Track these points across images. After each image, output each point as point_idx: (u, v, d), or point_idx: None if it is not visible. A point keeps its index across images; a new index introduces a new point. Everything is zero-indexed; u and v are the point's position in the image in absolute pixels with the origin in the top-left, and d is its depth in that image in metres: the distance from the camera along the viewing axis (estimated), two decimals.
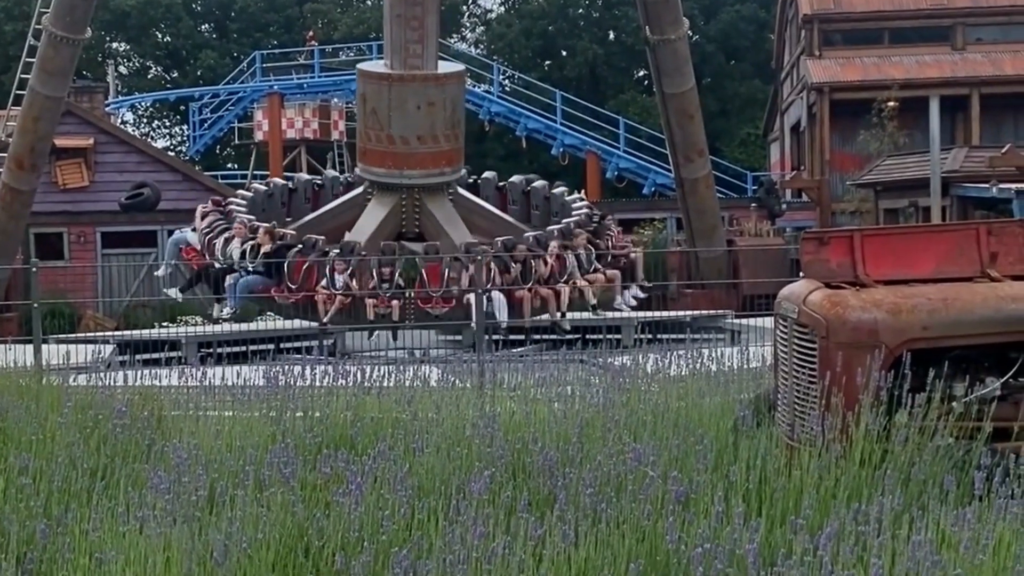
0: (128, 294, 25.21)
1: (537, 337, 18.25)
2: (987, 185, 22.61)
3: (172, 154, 42.61)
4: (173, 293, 19.50)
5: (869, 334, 6.32)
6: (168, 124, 57.01)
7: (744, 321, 18.12)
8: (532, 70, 47.67)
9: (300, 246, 17.77)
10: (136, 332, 18.20)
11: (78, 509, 5.83)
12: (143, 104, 52.05)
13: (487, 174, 21.99)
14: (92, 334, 19.79)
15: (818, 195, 30.32)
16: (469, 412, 7.88)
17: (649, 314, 19.11)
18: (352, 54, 46.64)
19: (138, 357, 13.61)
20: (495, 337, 17.72)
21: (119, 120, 43.84)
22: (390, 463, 6.13)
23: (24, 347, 13.45)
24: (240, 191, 22.34)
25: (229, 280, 17.89)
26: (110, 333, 19.46)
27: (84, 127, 28.12)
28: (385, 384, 9.25)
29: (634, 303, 18.63)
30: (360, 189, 20.10)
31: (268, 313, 19.26)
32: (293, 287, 17.49)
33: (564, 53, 50.56)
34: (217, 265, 18.15)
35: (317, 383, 9.16)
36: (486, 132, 42.55)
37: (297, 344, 18.03)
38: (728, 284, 22.56)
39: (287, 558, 5.27)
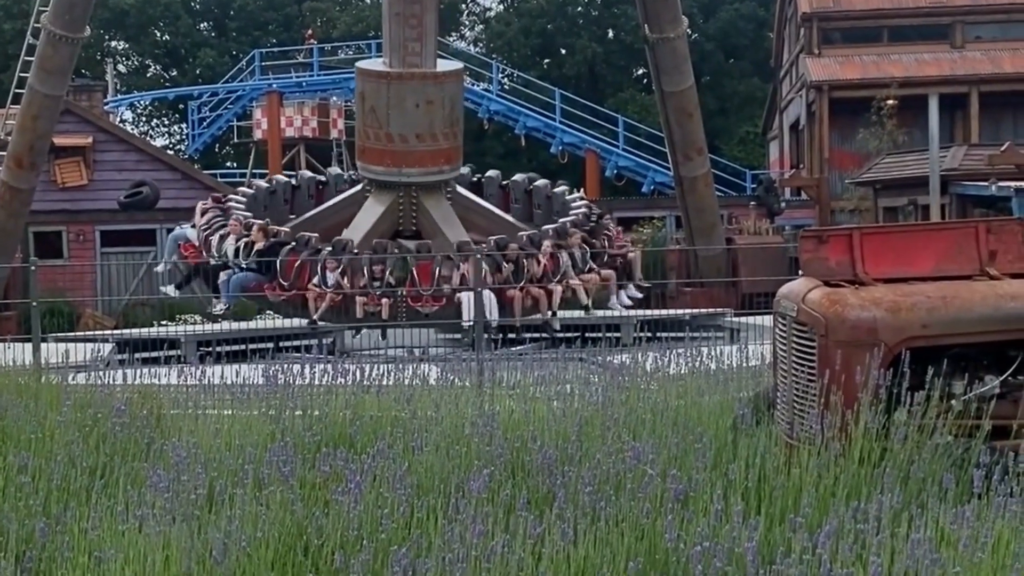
0: (127, 293, 25.21)
1: (527, 336, 18.25)
2: (986, 183, 22.61)
3: (171, 153, 42.59)
4: (170, 291, 19.53)
5: (868, 332, 6.32)
6: (167, 123, 56.99)
7: (743, 319, 18.13)
8: (531, 68, 47.67)
9: (293, 243, 17.80)
10: (135, 331, 18.21)
11: (77, 508, 5.82)
12: (142, 103, 52.02)
13: (491, 172, 22.00)
14: (91, 333, 19.79)
15: (817, 193, 30.30)
16: (468, 411, 7.88)
17: (648, 312, 19.11)
18: (351, 52, 46.64)
19: (137, 356, 13.60)
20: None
21: (118, 119, 43.81)
22: (389, 461, 6.12)
23: (23, 346, 13.45)
24: (241, 188, 22.37)
25: (222, 277, 17.99)
26: (109, 332, 19.47)
27: (83, 126, 28.13)
28: (384, 383, 9.25)
29: (629, 303, 18.61)
30: (359, 187, 20.13)
31: (267, 312, 19.26)
32: (285, 284, 17.54)
33: (563, 51, 50.54)
34: (212, 262, 18.23)
35: (316, 382, 9.16)
36: (485, 130, 42.54)
37: (296, 343, 18.03)
38: (727, 282, 22.58)
39: (286, 556, 5.27)
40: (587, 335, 17.66)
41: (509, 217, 20.05)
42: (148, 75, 54.81)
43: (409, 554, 4.75)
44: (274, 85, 40.18)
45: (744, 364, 10.33)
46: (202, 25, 55.38)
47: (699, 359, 10.33)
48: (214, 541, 5.07)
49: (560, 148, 37.65)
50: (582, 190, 25.58)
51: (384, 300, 17.02)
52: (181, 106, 48.64)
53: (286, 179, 22.11)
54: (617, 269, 18.69)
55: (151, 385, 9.45)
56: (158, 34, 53.92)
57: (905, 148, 28.08)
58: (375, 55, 34.87)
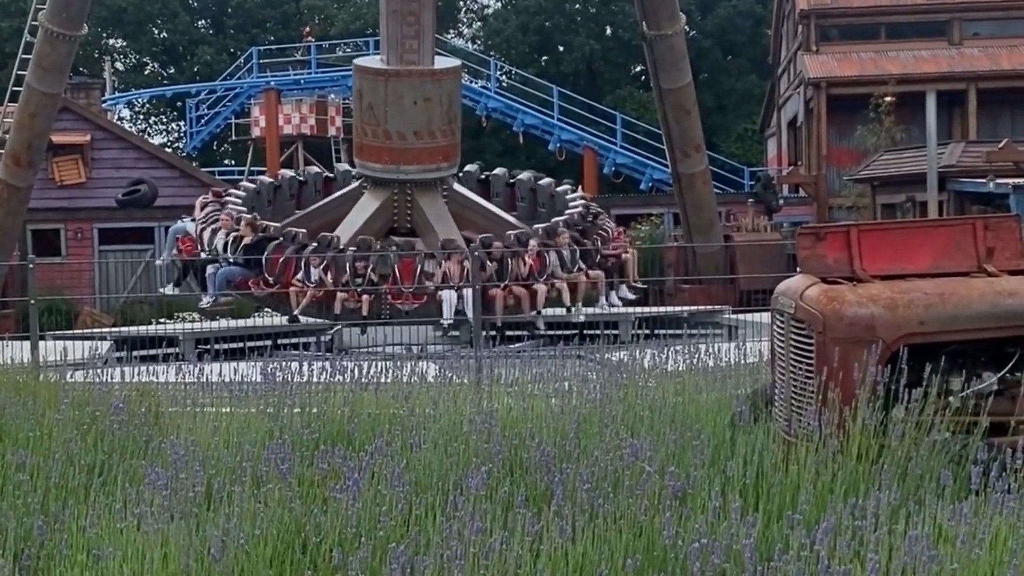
0: (125, 290, 25.21)
1: (525, 334, 18.24)
2: (984, 180, 22.62)
3: (169, 150, 42.58)
4: (169, 290, 19.61)
5: (866, 329, 6.33)
6: (165, 120, 56.96)
7: (741, 316, 18.13)
8: (529, 66, 47.64)
9: (280, 239, 17.86)
10: (133, 328, 18.24)
11: (75, 505, 5.82)
12: (140, 100, 51.97)
13: (498, 170, 22.05)
14: (89, 330, 19.79)
15: (815, 190, 30.31)
16: (466, 408, 7.88)
17: (646, 310, 19.12)
18: (349, 50, 46.65)
19: (135, 353, 13.61)
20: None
21: (116, 116, 43.77)
22: (387, 459, 6.12)
23: (21, 344, 13.45)
24: (243, 183, 22.42)
25: (209, 270, 18.16)
26: (107, 329, 19.48)
27: (81, 123, 28.12)
28: (382, 380, 9.24)
29: (620, 304, 18.57)
30: (357, 183, 20.15)
31: (266, 309, 19.30)
32: (270, 279, 17.62)
33: (561, 48, 50.52)
34: (203, 256, 18.36)
35: (314, 379, 9.16)
36: (483, 128, 42.53)
37: (295, 340, 18.05)
38: (725, 279, 22.58)
39: (284, 554, 5.27)
40: (585, 332, 17.68)
41: (506, 215, 20.04)
42: (146, 73, 54.77)
43: (407, 551, 4.75)
44: (272, 83, 40.16)
45: (742, 361, 10.34)
46: (200, 23, 55.34)
47: (697, 356, 10.32)
48: (212, 539, 5.06)
49: (558, 145, 37.64)
50: (580, 188, 25.52)
51: (364, 297, 17.07)
52: (179, 104, 48.62)
53: (292, 174, 22.21)
54: (608, 269, 18.65)
55: (149, 383, 9.44)
56: (156, 32, 53.88)
57: (903, 145, 28.08)
58: (373, 52, 34.86)
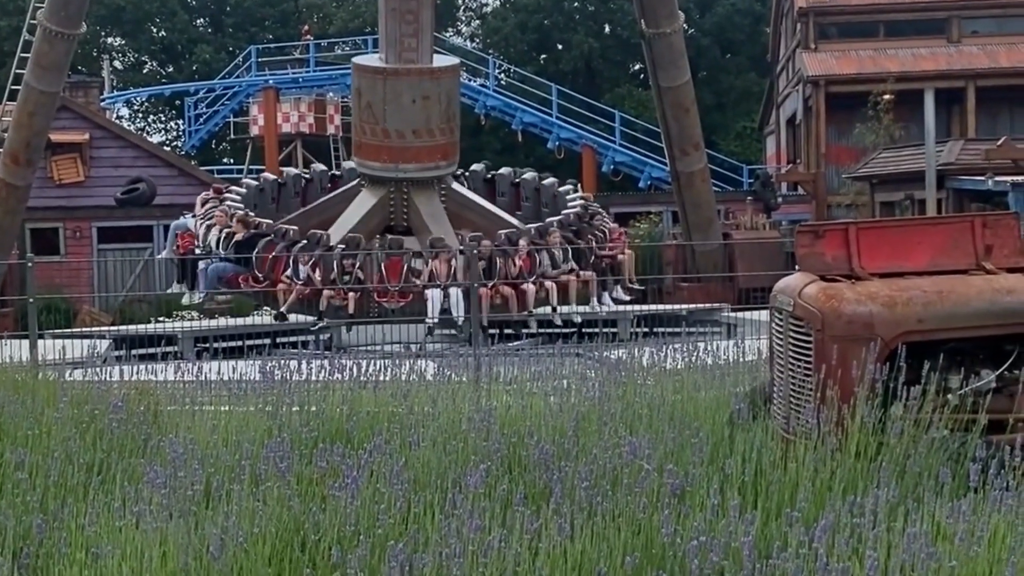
0: (124, 289, 25.20)
1: (524, 332, 18.22)
2: (983, 178, 22.62)
3: (168, 149, 42.55)
4: (176, 288, 19.75)
5: (864, 327, 6.33)
6: (164, 119, 56.95)
7: (740, 314, 18.13)
8: (528, 64, 47.63)
9: (271, 236, 17.91)
10: (132, 327, 18.25)
11: (74, 504, 5.82)
12: (138, 99, 51.96)
13: (503, 170, 22.08)
14: (88, 329, 19.80)
15: (814, 188, 30.31)
16: (465, 406, 7.88)
17: (645, 307, 19.11)
18: (348, 48, 46.65)
19: (134, 352, 13.61)
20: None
21: (115, 115, 43.76)
22: (386, 457, 6.13)
23: (20, 342, 13.45)
24: (246, 180, 22.47)
25: (200, 266, 18.22)
26: (106, 328, 19.49)
27: (79, 122, 28.09)
28: (381, 378, 9.24)
29: (612, 305, 18.52)
30: (356, 182, 20.17)
31: (265, 307, 19.31)
32: (260, 276, 17.68)
33: (560, 47, 50.52)
34: (198, 251, 18.45)
35: (313, 378, 9.16)
36: (482, 126, 42.53)
37: (293, 339, 18.06)
38: (724, 277, 22.58)
39: (283, 552, 5.27)
40: (584, 331, 17.68)
41: (505, 215, 20.02)
42: (144, 71, 54.74)
43: (406, 549, 4.75)
44: (271, 81, 40.15)
45: (741, 359, 10.34)
46: (198, 21, 55.33)
47: (696, 354, 10.33)
48: (211, 537, 5.06)
49: (557, 143, 37.62)
50: (580, 187, 25.51)
51: (350, 295, 17.09)
52: (178, 102, 48.60)
53: (297, 172, 22.26)
54: (601, 270, 18.58)
55: (148, 381, 9.44)
56: (154, 30, 53.86)
57: (901, 143, 28.08)
58: (371, 51, 34.85)
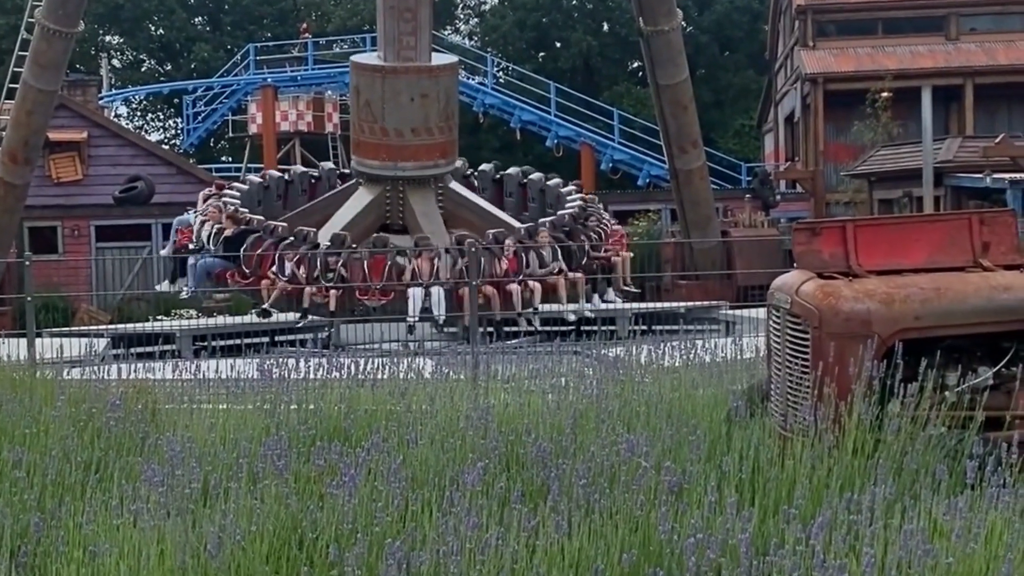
0: (122, 288, 25.20)
1: (521, 330, 18.17)
2: (981, 175, 22.64)
3: (166, 147, 42.54)
4: (165, 286, 19.76)
5: (862, 324, 6.33)
6: (162, 117, 56.95)
7: (739, 312, 18.13)
8: (526, 62, 47.63)
9: (260, 232, 17.95)
10: (130, 325, 18.27)
11: (72, 502, 5.82)
12: (137, 97, 51.97)
13: (511, 170, 22.09)
14: (87, 328, 19.80)
15: (812, 186, 30.33)
16: (463, 404, 7.88)
17: (643, 305, 19.12)
18: (346, 46, 46.66)
19: (132, 350, 13.62)
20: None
21: (113, 113, 43.75)
22: (384, 455, 6.13)
23: (18, 341, 13.44)
24: (251, 176, 22.49)
25: (190, 261, 18.27)
26: (104, 327, 19.50)
27: (78, 121, 28.08)
28: (379, 376, 9.24)
29: (603, 308, 18.44)
30: (354, 180, 20.20)
31: (263, 306, 19.31)
32: (247, 272, 17.73)
33: (558, 45, 50.52)
34: (191, 247, 18.54)
35: (311, 376, 9.16)
36: (480, 124, 42.53)
37: (291, 337, 18.07)
38: (723, 275, 22.58)
39: (281, 550, 5.27)
40: (583, 328, 17.67)
41: (503, 215, 19.98)
42: (143, 70, 54.73)
43: (403, 547, 4.75)
44: (269, 79, 40.15)
45: (739, 357, 10.34)
46: (197, 19, 55.31)
47: (693, 352, 10.33)
48: (208, 535, 5.07)
49: (555, 142, 37.63)
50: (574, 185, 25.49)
51: (331, 292, 17.12)
52: (176, 101, 48.62)
53: (304, 170, 22.30)
54: (593, 272, 18.51)
55: (146, 380, 9.44)
56: (153, 29, 53.84)
57: (900, 140, 28.11)
58: (370, 49, 34.86)
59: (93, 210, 27.16)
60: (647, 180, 36.29)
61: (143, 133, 50.43)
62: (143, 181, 27.47)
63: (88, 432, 7.30)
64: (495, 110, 38.94)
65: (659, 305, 19.19)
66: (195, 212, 19.76)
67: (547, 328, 18.09)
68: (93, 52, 51.18)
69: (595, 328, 17.72)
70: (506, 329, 17.78)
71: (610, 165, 37.13)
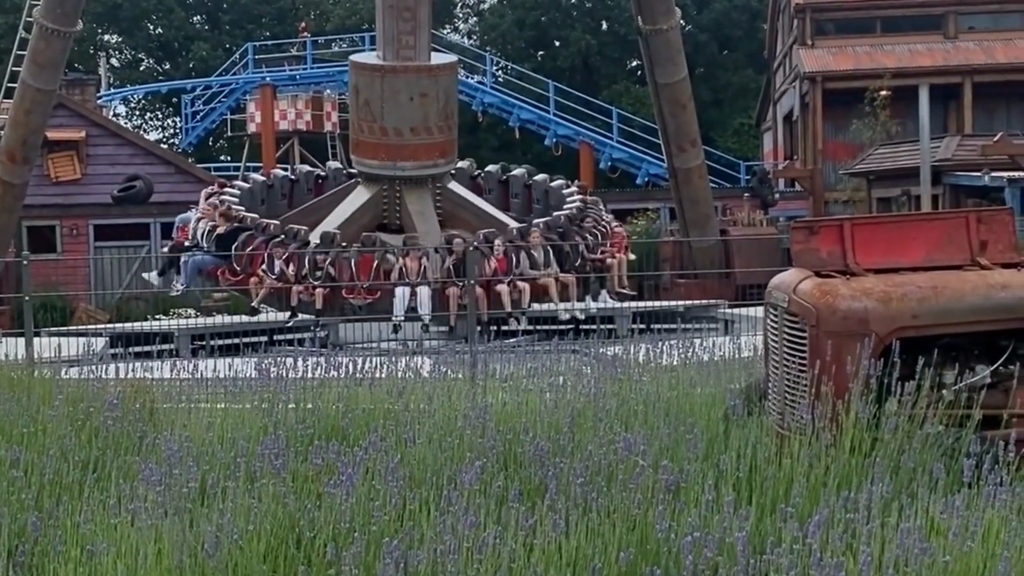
0: (121, 287, 25.19)
1: (520, 329, 18.15)
2: (979, 173, 22.64)
3: (164, 146, 42.53)
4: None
5: (859, 322, 6.33)
6: (160, 116, 56.91)
7: (737, 311, 18.13)
8: (525, 61, 47.62)
9: (252, 230, 17.98)
10: (129, 325, 18.27)
11: (69, 502, 5.83)
12: (135, 96, 51.93)
13: (517, 171, 22.07)
14: (85, 327, 19.80)
15: (811, 184, 30.33)
16: (461, 403, 7.89)
17: (642, 304, 19.10)
18: (345, 45, 46.61)
19: (131, 350, 13.61)
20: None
21: (111, 113, 43.72)
22: (381, 454, 6.13)
23: (16, 340, 13.44)
24: (254, 175, 22.50)
25: (183, 258, 18.32)
26: (103, 326, 19.50)
27: (76, 120, 28.06)
28: (377, 375, 9.25)
29: (594, 311, 18.38)
30: (354, 180, 20.23)
31: (262, 305, 19.32)
32: (238, 269, 17.76)
33: (557, 43, 50.51)
34: (186, 244, 18.60)
35: (309, 375, 9.16)
36: (479, 123, 42.52)
37: (289, 336, 18.07)
38: (721, 274, 22.57)
39: (278, 549, 5.27)
40: (582, 327, 17.65)
41: (502, 215, 19.96)
42: (141, 69, 54.70)
43: (401, 546, 4.75)
44: (267, 78, 40.11)
45: (737, 355, 10.34)
46: (195, 18, 55.29)
47: (691, 350, 10.34)
48: (206, 534, 5.07)
49: (554, 140, 37.61)
50: (576, 183, 25.48)
51: (318, 291, 17.13)
52: (174, 100, 48.57)
53: (310, 170, 22.34)
54: (581, 274, 18.45)
55: (144, 379, 9.44)
56: (151, 28, 53.82)
57: (898, 139, 28.11)
58: (369, 48, 34.84)
59: (91, 209, 27.15)
60: (646, 179, 36.28)
61: (142, 132, 50.42)
62: (141, 180, 27.46)
63: (86, 431, 7.30)
64: (494, 109, 38.93)
65: (658, 304, 19.16)
66: (197, 210, 19.83)
67: (546, 327, 18.07)
68: (92, 51, 51.14)
69: (594, 327, 17.72)
70: (503, 328, 17.76)
71: (609, 164, 37.12)
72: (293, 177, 21.64)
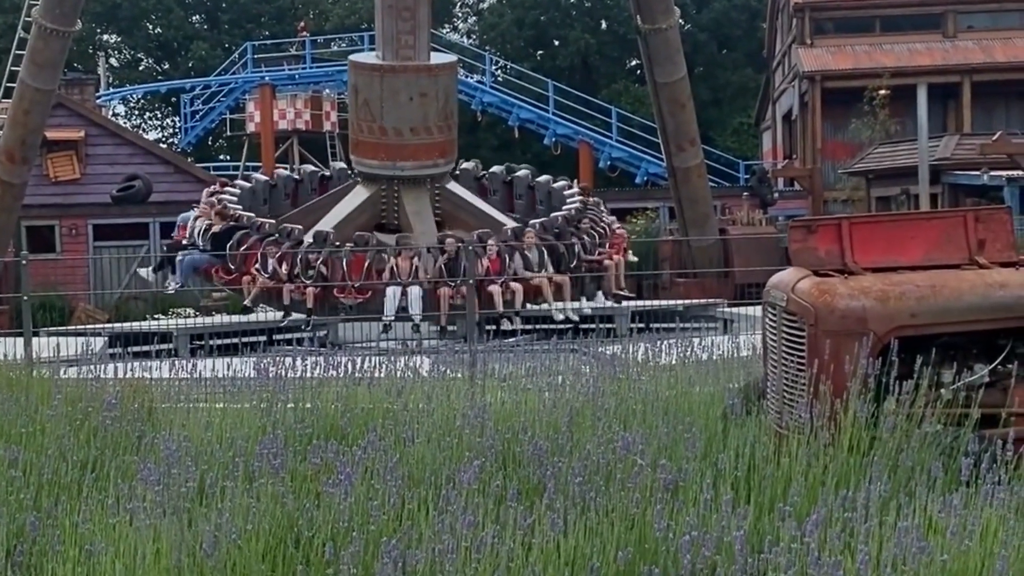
0: (120, 287, 25.19)
1: (519, 328, 18.16)
2: (978, 173, 22.65)
3: (163, 146, 42.51)
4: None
5: (857, 321, 6.33)
6: (159, 116, 56.89)
7: (736, 310, 18.13)
8: (524, 60, 47.62)
9: (247, 228, 18.00)
10: (128, 324, 18.28)
11: (68, 501, 5.83)
12: (134, 96, 51.90)
13: (520, 172, 22.03)
14: (84, 327, 19.80)
15: (810, 183, 30.34)
16: (460, 402, 7.89)
17: (641, 303, 19.10)
18: (344, 45, 46.61)
19: (130, 350, 13.61)
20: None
21: (110, 112, 43.71)
22: (380, 453, 6.13)
23: (15, 340, 13.44)
24: (256, 175, 22.49)
25: (179, 256, 18.35)
26: (102, 326, 19.50)
27: (75, 119, 28.06)
28: (376, 375, 9.24)
29: (589, 311, 18.35)
30: (352, 179, 20.23)
31: (261, 304, 19.32)
32: (232, 268, 17.79)
33: (556, 43, 50.51)
34: (184, 242, 18.63)
35: (308, 374, 9.16)
36: (478, 122, 42.52)
37: (288, 336, 18.08)
38: (721, 273, 22.57)
39: (277, 549, 5.27)
40: (581, 326, 17.66)
41: (501, 216, 19.94)
42: (140, 68, 54.69)
43: (399, 545, 4.76)
44: (267, 78, 40.08)
45: (735, 354, 10.35)
46: (194, 18, 55.28)
47: (690, 350, 10.34)
48: (204, 534, 5.07)
49: (553, 140, 37.60)
50: (576, 182, 25.46)
51: (309, 290, 17.14)
52: (174, 99, 48.56)
53: (314, 169, 22.35)
54: (573, 276, 18.41)
55: (143, 379, 9.44)
56: (150, 27, 53.80)
57: (897, 138, 28.12)
58: (368, 48, 34.84)
59: (91, 209, 27.15)
60: (645, 178, 36.27)
61: (141, 132, 50.39)
62: (141, 180, 27.46)
63: (84, 431, 7.30)
64: (493, 108, 38.92)
65: (657, 303, 19.16)
66: (197, 209, 19.88)
67: (545, 327, 18.07)
68: (91, 51, 51.13)
69: (593, 326, 17.72)
70: (502, 329, 17.76)
71: (608, 163, 37.11)
72: (297, 177, 21.64)
